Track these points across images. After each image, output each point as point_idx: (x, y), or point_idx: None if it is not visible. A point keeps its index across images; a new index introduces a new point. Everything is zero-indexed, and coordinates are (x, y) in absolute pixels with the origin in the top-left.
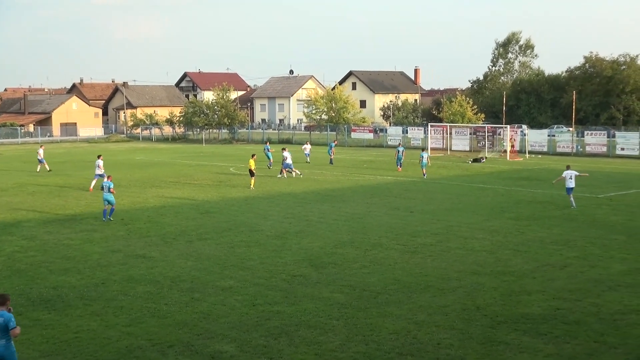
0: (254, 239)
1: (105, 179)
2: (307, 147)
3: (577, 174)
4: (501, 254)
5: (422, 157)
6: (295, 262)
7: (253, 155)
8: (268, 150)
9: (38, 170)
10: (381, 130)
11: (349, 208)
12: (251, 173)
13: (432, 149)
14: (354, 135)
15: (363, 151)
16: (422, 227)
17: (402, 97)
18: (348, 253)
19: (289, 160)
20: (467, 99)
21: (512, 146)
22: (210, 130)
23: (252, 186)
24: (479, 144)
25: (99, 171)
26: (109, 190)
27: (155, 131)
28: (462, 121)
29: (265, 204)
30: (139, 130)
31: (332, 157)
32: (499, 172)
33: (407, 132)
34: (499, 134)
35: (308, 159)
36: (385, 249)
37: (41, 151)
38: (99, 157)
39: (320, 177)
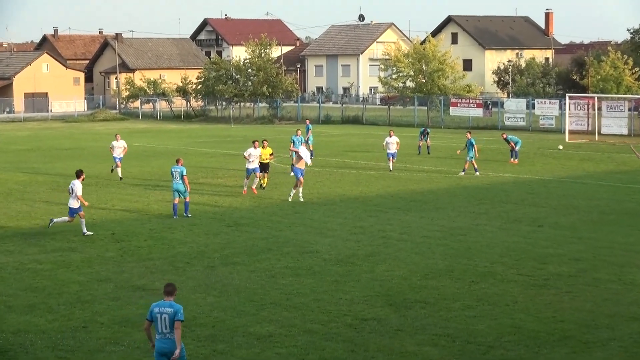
0: (306, 265)
1: (176, 164)
2: (393, 142)
3: None
4: None
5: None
6: (365, 300)
7: (264, 142)
8: (309, 132)
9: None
10: (495, 103)
11: (446, 220)
12: (262, 167)
13: (571, 132)
14: (454, 111)
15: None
16: (555, 248)
17: (527, 54)
18: (444, 287)
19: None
20: (625, 57)
21: None
22: (242, 103)
23: (262, 184)
24: None
25: (117, 153)
26: (181, 178)
27: (162, 105)
28: (617, 91)
29: (322, 213)
30: (137, 103)
31: (422, 144)
32: None
33: (533, 107)
34: None
35: (391, 165)
36: (500, 281)
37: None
38: (116, 136)
39: (404, 172)
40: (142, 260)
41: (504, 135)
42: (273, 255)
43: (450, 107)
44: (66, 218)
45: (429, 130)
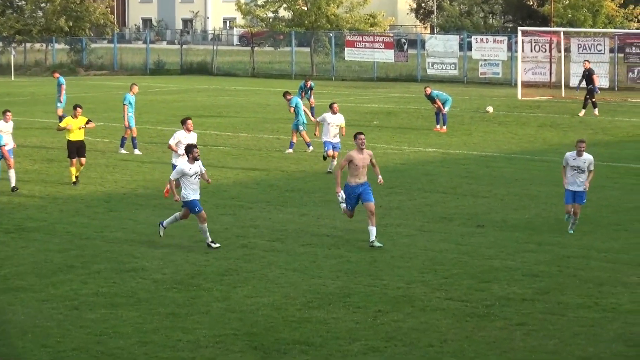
0: (126, 290)
1: None
2: (337, 123)
3: None
4: None
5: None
6: (217, 342)
7: (76, 108)
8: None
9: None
10: (412, 43)
11: (340, 218)
12: (78, 150)
13: (526, 85)
14: (350, 54)
15: (372, 91)
16: (502, 259)
17: None
18: (337, 319)
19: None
20: None
21: None
22: (29, 44)
23: (73, 178)
24: (632, 75)
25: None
26: None
27: None
28: (593, 23)
29: (150, 211)
30: None
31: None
32: None
33: (469, 48)
34: None
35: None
36: (421, 310)
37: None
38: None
39: (276, 150)
40: None
41: (427, 91)
42: (76, 276)
43: (346, 49)
44: None
45: (312, 84)
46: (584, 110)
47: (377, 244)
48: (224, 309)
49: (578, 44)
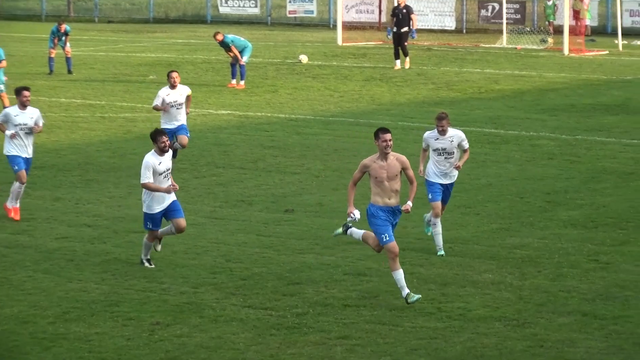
0: None
1: None
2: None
3: None
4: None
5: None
6: None
7: None
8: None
9: None
10: None
11: (93, 202)
12: None
13: (348, 27)
14: None
15: (147, 36)
16: (318, 254)
17: None
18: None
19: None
20: None
21: (579, 17)
22: None
23: None
24: (485, 13)
25: None
26: None
27: None
28: None
29: None
30: None
31: (54, 52)
32: (537, 92)
33: None
34: None
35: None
36: (213, 322)
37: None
38: None
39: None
40: None
41: (219, 37)
42: None
43: None
44: None
45: (68, 28)
46: (398, 62)
47: (414, 298)
48: None
49: None
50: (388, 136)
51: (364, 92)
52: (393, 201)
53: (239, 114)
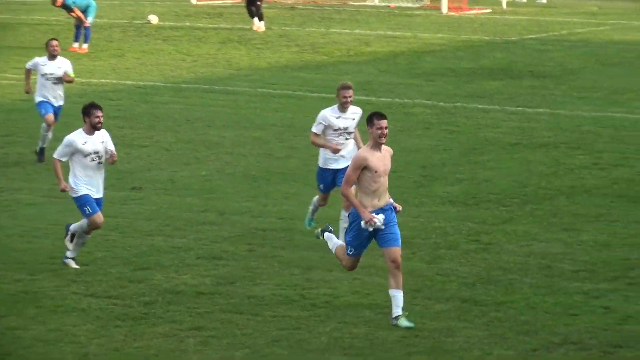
0: None
1: None
2: None
3: None
4: None
5: None
6: None
7: None
8: None
9: None
10: None
11: None
12: None
13: None
14: None
15: None
16: (168, 236)
17: None
18: None
19: None
20: None
21: None
22: None
23: None
24: None
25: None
26: None
27: None
28: None
29: None
30: None
31: None
32: (412, 54)
33: None
34: None
35: None
36: (52, 312)
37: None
38: None
39: None
40: None
41: (58, 2)
42: None
43: None
44: None
45: None
46: (256, 19)
47: (405, 323)
48: None
49: None
50: (384, 123)
51: (219, 56)
52: (382, 202)
53: (82, 81)
